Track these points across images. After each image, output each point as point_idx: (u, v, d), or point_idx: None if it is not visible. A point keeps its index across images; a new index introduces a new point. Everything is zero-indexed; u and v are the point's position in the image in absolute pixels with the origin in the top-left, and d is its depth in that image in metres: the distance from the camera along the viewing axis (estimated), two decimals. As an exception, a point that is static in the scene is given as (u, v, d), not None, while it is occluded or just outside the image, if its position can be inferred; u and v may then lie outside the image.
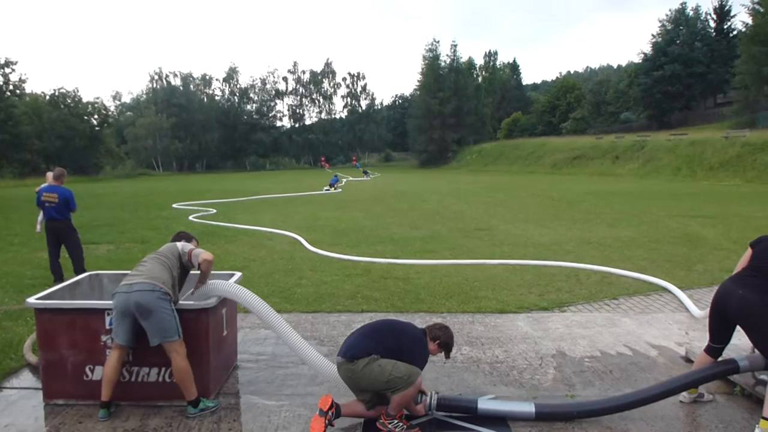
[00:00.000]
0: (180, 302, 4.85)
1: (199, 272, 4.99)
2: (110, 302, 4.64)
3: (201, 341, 4.84)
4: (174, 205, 24.87)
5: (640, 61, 70.88)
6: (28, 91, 69.15)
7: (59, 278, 9.32)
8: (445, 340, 4.60)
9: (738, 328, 4.52)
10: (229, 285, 4.99)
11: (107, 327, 4.77)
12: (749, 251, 4.61)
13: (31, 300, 4.89)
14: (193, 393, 4.65)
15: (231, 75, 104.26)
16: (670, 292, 8.54)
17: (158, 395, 4.87)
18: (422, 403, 4.56)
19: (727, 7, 67.65)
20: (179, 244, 5.11)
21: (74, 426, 4.53)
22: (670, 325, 7.04)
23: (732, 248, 11.70)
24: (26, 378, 5.55)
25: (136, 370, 4.87)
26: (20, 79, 63.54)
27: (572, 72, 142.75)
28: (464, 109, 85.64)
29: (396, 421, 4.29)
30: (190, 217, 19.45)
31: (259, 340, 6.57)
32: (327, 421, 4.24)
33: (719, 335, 4.62)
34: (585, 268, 10.17)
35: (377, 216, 19.58)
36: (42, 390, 4.95)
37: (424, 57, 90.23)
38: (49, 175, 10.09)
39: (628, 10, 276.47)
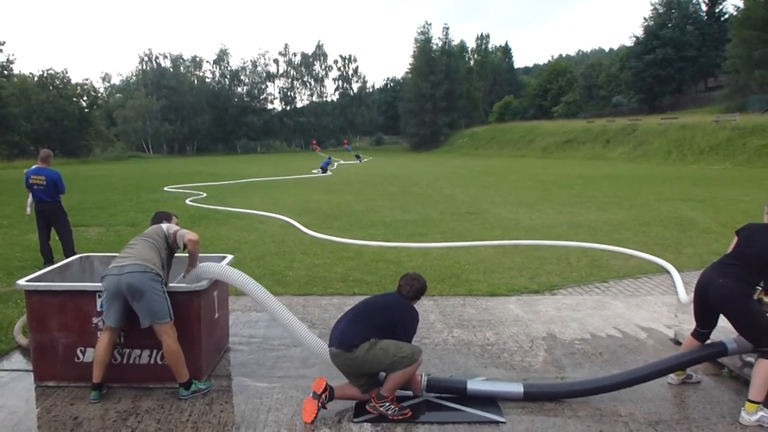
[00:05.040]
0: (171, 284, 4.84)
1: (186, 254, 4.98)
2: (101, 284, 4.62)
3: (193, 323, 4.83)
4: (165, 188, 24.75)
5: (632, 44, 70.87)
6: (16, 72, 68.27)
7: (49, 260, 9.29)
8: (418, 295, 4.65)
9: None
10: (221, 267, 4.98)
11: (98, 309, 4.75)
12: (735, 239, 4.61)
13: (22, 282, 4.86)
14: (184, 375, 4.66)
15: (221, 57, 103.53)
16: (667, 272, 8.66)
17: (150, 377, 4.87)
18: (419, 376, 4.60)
19: (719, -9, 67.72)
20: (164, 225, 5.07)
21: (66, 408, 4.53)
22: (660, 307, 7.10)
23: (721, 231, 11.79)
24: (17, 360, 5.55)
25: (128, 352, 4.87)
26: (8, 59, 62.69)
27: (564, 55, 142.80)
28: (456, 93, 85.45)
29: (388, 404, 4.30)
30: (187, 201, 19.35)
31: (251, 322, 6.58)
32: (320, 404, 4.26)
33: (704, 321, 4.65)
34: (591, 247, 10.41)
35: (369, 199, 19.57)
36: (33, 372, 4.94)
37: (415, 40, 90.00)
38: None
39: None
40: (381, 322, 4.41)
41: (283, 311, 4.87)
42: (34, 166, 9.80)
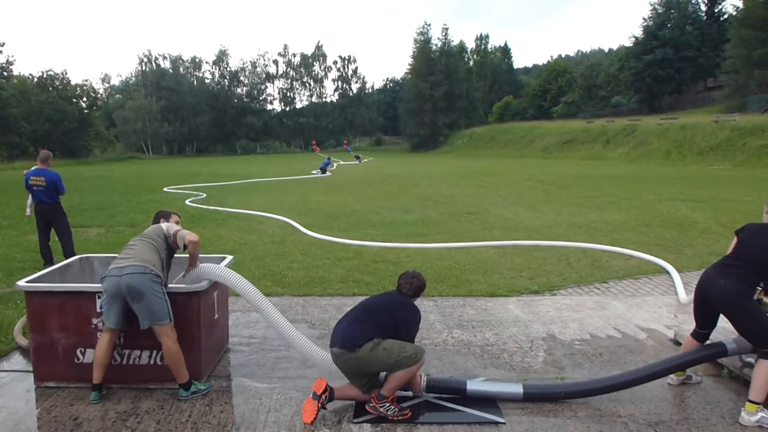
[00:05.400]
0: (171, 285, 4.84)
1: (186, 255, 4.98)
2: (101, 285, 4.62)
3: (192, 324, 4.83)
4: (165, 189, 24.76)
5: (631, 44, 70.86)
6: (15, 73, 68.09)
7: (49, 261, 9.30)
8: (417, 293, 4.68)
9: None
10: (220, 269, 4.97)
11: (98, 310, 4.76)
12: (735, 239, 4.62)
13: (22, 283, 4.86)
14: (184, 376, 4.66)
15: (221, 58, 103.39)
16: (667, 272, 8.67)
17: (150, 378, 4.87)
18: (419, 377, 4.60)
19: (718, -9, 67.73)
20: (164, 225, 5.07)
21: (66, 408, 4.54)
22: (660, 308, 7.10)
23: (721, 232, 11.80)
24: (17, 361, 5.55)
25: (128, 352, 4.87)
26: (8, 61, 62.43)
27: (563, 56, 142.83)
28: (455, 93, 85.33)
29: (388, 404, 4.29)
30: (187, 201, 19.35)
31: (251, 323, 6.58)
32: (320, 405, 4.26)
33: (704, 322, 4.65)
34: (591, 248, 10.44)
35: (368, 200, 19.57)
36: (33, 373, 4.94)
37: (415, 40, 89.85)
38: None
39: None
40: (383, 321, 4.41)
41: (279, 318, 4.85)
42: (33, 167, 9.81)
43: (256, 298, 4.86)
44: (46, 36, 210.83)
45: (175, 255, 5.15)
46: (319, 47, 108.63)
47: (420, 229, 13.01)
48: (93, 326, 4.82)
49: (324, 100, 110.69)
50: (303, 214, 15.79)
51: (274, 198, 20.57)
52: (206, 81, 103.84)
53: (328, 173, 35.86)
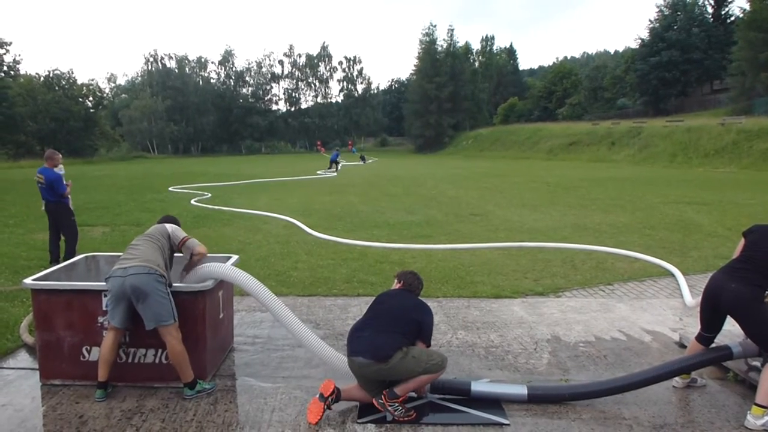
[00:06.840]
0: (176, 285, 4.85)
1: (187, 254, 5.00)
2: (106, 285, 4.63)
3: (197, 324, 4.84)
4: (170, 188, 24.80)
5: (637, 46, 70.63)
6: (22, 72, 68.49)
7: (55, 259, 9.34)
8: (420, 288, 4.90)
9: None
10: (227, 268, 4.97)
11: (104, 308, 4.77)
12: (742, 241, 4.60)
13: (28, 281, 4.88)
14: (189, 375, 4.67)
15: (227, 58, 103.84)
16: (672, 275, 8.64)
17: (155, 376, 4.88)
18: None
19: (724, -7, 67.50)
20: (168, 227, 5.08)
21: (71, 406, 4.55)
22: (665, 310, 7.08)
23: (726, 235, 11.76)
24: (23, 358, 5.57)
25: (133, 351, 4.88)
26: (14, 60, 62.91)
27: (569, 57, 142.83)
28: (461, 94, 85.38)
29: (397, 405, 4.28)
30: (192, 201, 19.38)
31: (256, 322, 6.59)
32: (326, 407, 4.26)
33: (711, 325, 4.63)
34: (595, 250, 10.43)
35: (373, 200, 19.57)
36: (39, 370, 4.97)
37: (420, 41, 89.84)
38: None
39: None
40: (408, 328, 4.43)
41: (288, 315, 4.86)
42: (43, 165, 9.83)
43: (263, 294, 4.86)
44: (52, 35, 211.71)
45: (175, 255, 5.16)
46: (324, 48, 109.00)
47: (425, 230, 13.00)
48: (99, 324, 4.83)
49: (329, 100, 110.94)
50: (308, 214, 15.80)
51: (278, 198, 20.58)
52: (212, 81, 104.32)
53: (334, 173, 35.83)
